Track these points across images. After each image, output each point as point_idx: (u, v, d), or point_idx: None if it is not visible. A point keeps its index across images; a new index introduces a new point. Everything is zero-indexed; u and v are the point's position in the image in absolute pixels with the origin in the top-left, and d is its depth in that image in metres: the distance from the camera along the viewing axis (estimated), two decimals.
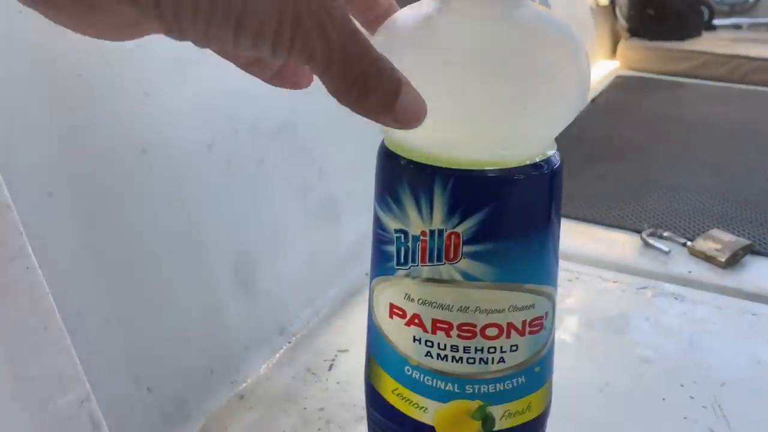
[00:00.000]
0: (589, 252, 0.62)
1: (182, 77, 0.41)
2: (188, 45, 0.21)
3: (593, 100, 1.12)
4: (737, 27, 1.68)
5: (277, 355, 0.48)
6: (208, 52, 0.24)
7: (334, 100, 0.24)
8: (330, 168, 0.55)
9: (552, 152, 0.30)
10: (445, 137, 0.27)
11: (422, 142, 0.28)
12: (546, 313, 0.31)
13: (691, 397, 0.43)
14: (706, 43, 1.36)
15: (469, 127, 0.26)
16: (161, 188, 0.40)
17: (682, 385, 0.45)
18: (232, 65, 0.29)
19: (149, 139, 0.39)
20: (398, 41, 0.27)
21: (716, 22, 1.63)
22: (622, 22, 1.38)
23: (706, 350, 0.48)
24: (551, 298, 0.31)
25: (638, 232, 0.64)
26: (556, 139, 0.32)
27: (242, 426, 0.42)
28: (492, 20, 0.27)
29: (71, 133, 0.35)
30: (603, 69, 1.34)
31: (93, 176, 0.36)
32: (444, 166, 0.28)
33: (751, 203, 0.71)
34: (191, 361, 0.43)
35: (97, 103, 0.36)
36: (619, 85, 1.22)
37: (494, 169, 0.28)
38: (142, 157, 0.39)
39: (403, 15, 0.29)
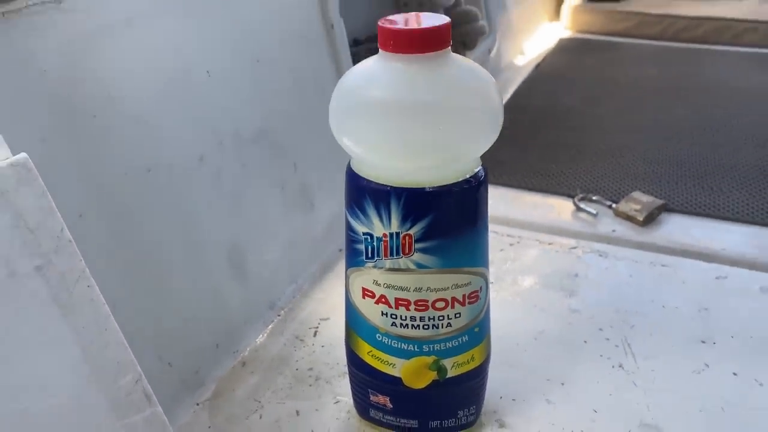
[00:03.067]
0: (529, 218, 0.72)
1: (175, 105, 0.49)
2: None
3: (537, 66, 1.21)
4: None
5: (270, 326, 0.58)
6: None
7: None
8: (302, 161, 0.63)
9: (478, 168, 0.38)
10: (396, 168, 0.36)
11: (380, 170, 0.37)
12: (480, 287, 0.41)
13: (607, 339, 0.54)
14: (640, 2, 1.45)
15: (411, 163, 0.35)
16: (166, 199, 0.48)
17: (601, 329, 0.55)
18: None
19: (153, 160, 0.47)
20: (352, 99, 0.36)
21: None
22: None
23: (621, 299, 0.59)
24: (484, 276, 0.41)
25: (571, 196, 0.74)
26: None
27: (247, 387, 0.51)
28: (423, 75, 0.35)
29: (91, 163, 0.43)
30: (548, 32, 1.42)
31: (111, 197, 0.44)
32: (398, 186, 0.37)
33: (668, 163, 0.81)
34: (200, 339, 0.52)
35: (109, 135, 0.44)
36: (563, 48, 1.31)
37: (436, 186, 0.37)
38: (148, 176, 0.47)
39: (357, 71, 0.37)
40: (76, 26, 0.42)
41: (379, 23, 0.35)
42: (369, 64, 0.37)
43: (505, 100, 1.05)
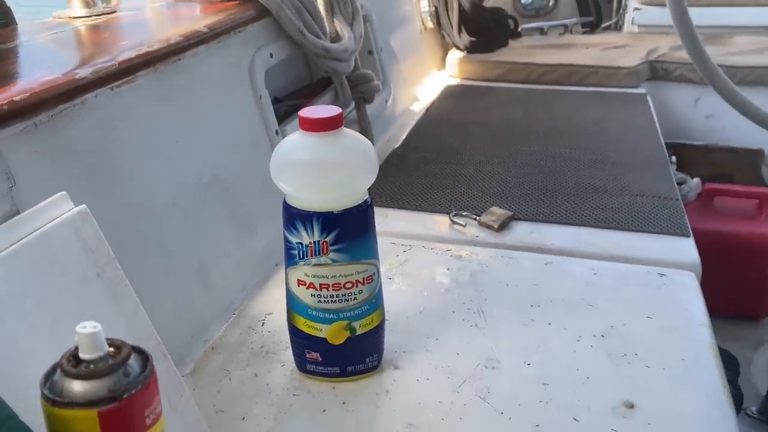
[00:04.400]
0: (417, 231, 0.96)
1: (156, 164, 0.70)
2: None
3: (427, 110, 1.47)
4: (541, 30, 2.10)
5: (229, 321, 0.78)
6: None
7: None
8: (245, 198, 0.85)
9: (366, 197, 0.62)
10: (314, 200, 0.59)
11: (304, 202, 0.60)
12: (374, 273, 0.64)
13: (468, 309, 0.78)
14: (510, 53, 1.75)
15: (323, 197, 0.58)
16: (153, 232, 0.69)
17: (464, 303, 0.79)
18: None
19: (143, 204, 0.68)
20: (285, 159, 0.59)
21: (524, 26, 2.05)
22: (447, 40, 1.74)
23: (480, 282, 0.83)
24: (376, 265, 0.64)
25: (447, 213, 0.99)
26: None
27: (216, 363, 0.72)
28: (326, 143, 0.58)
29: (106, 209, 0.63)
30: (436, 80, 1.69)
31: (119, 231, 0.64)
32: (316, 210, 0.60)
33: (518, 184, 1.08)
34: (181, 332, 0.72)
35: (117, 189, 0.64)
36: (448, 94, 1.59)
37: (340, 210, 0.60)
38: (140, 216, 0.67)
39: (287, 141, 0.60)
40: (95, 117, 0.62)
41: (299, 114, 0.58)
42: (294, 137, 0.60)
43: (399, 141, 1.30)
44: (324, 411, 0.64)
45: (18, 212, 0.50)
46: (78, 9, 0.85)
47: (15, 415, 0.34)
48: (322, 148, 0.59)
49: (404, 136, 1.32)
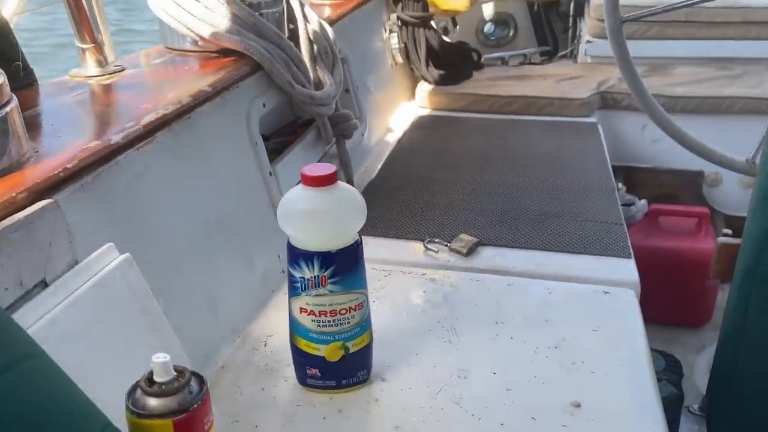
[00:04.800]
0: (395, 257, 1.09)
1: (174, 211, 0.81)
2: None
3: (399, 141, 1.60)
4: (502, 59, 2.26)
5: (235, 343, 0.90)
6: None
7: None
8: (244, 235, 0.96)
9: (356, 238, 0.74)
10: (314, 243, 0.71)
11: (306, 243, 0.72)
12: (364, 300, 0.76)
13: (442, 326, 0.91)
14: (474, 84, 1.90)
15: (322, 240, 0.71)
16: (173, 270, 0.80)
17: (439, 321, 0.92)
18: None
19: (165, 245, 0.79)
20: (290, 209, 0.71)
21: (487, 56, 2.20)
22: (416, 73, 1.88)
23: (451, 303, 0.96)
24: (365, 294, 0.76)
25: (422, 240, 1.12)
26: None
27: (227, 380, 0.83)
28: (324, 196, 0.71)
29: (137, 251, 0.74)
30: (407, 110, 1.83)
31: (147, 270, 0.75)
32: (316, 250, 0.72)
33: (482, 212, 1.22)
34: (196, 354, 0.83)
35: (145, 235, 0.76)
36: (418, 124, 1.72)
37: (336, 249, 0.72)
38: (162, 255, 0.79)
39: (290, 193, 0.72)
40: (125, 175, 0.74)
41: (302, 172, 0.70)
42: (298, 190, 0.72)
43: (375, 171, 1.43)
44: (324, 418, 0.76)
45: (77, 262, 0.61)
46: (92, 68, 0.96)
47: (110, 422, 0.46)
48: (321, 200, 0.71)
49: (380, 166, 1.45)
